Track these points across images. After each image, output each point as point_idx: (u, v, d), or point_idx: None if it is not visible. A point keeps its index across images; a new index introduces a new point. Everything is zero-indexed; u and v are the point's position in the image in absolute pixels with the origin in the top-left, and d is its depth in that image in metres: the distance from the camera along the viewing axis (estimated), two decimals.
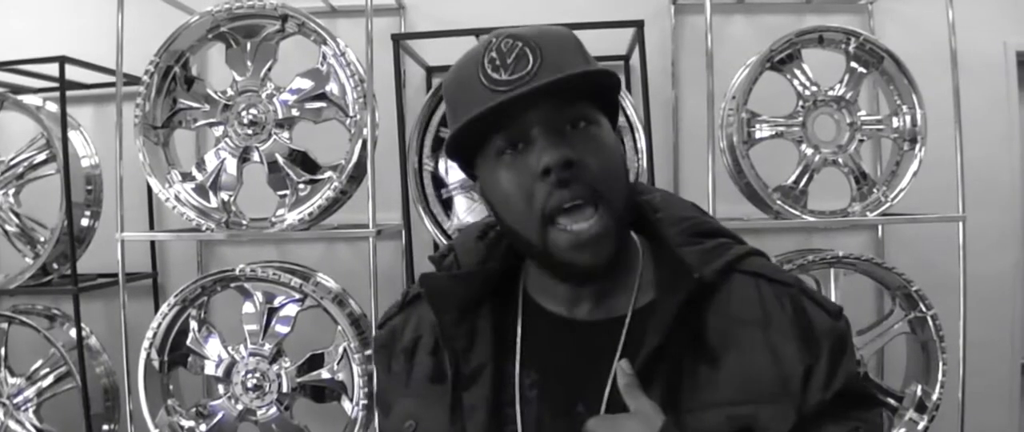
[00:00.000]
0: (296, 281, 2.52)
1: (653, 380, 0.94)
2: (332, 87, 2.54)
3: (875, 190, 2.66)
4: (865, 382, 0.98)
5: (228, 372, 2.60)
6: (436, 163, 2.61)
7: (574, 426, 0.95)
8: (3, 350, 2.84)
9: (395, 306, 1.17)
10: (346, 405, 2.55)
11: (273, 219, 2.60)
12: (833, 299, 2.59)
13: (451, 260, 1.12)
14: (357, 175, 2.56)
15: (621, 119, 2.53)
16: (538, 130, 0.93)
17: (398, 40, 2.65)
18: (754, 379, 0.95)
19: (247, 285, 2.61)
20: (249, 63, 2.58)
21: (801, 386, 0.95)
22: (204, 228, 2.56)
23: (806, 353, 0.96)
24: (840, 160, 2.63)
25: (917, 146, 2.60)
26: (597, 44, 2.75)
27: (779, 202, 2.56)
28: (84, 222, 2.86)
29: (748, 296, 1.00)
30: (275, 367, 2.57)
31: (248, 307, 2.61)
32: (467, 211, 2.58)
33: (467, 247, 1.11)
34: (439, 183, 2.62)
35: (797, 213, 2.56)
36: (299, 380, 2.57)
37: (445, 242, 2.58)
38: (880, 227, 3.04)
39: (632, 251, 1.06)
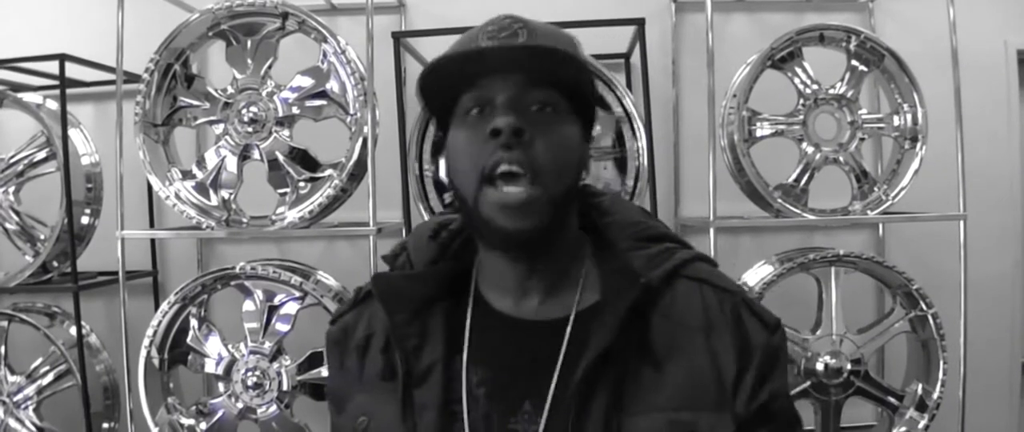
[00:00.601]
0: (296, 279, 2.52)
1: (598, 382, 0.96)
2: (332, 85, 2.54)
3: (876, 188, 2.66)
4: (791, 404, 1.02)
5: (228, 370, 2.60)
6: (437, 168, 2.60)
7: (521, 424, 0.98)
8: (3, 348, 2.84)
9: (347, 303, 1.18)
10: None
11: (273, 217, 2.59)
12: (834, 298, 2.59)
13: (404, 259, 1.13)
14: (357, 173, 2.56)
15: (618, 109, 2.52)
16: (503, 98, 0.97)
17: (399, 38, 2.64)
18: (695, 385, 0.97)
19: (247, 283, 2.60)
20: (249, 61, 2.58)
21: (733, 397, 0.97)
22: (204, 226, 2.56)
23: (738, 363, 0.98)
24: (841, 158, 2.63)
25: (918, 145, 2.60)
26: (598, 42, 2.77)
27: (780, 200, 2.56)
28: (84, 220, 2.86)
29: (692, 302, 1.02)
30: (275, 365, 2.57)
31: (248, 305, 2.61)
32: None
33: (420, 246, 1.12)
34: (442, 188, 2.61)
35: (798, 211, 2.56)
36: (299, 378, 2.57)
37: None
38: (881, 225, 3.04)
39: (579, 251, 1.08)
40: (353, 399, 1.09)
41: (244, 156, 2.59)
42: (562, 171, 0.98)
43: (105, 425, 2.91)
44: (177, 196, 2.60)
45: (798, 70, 2.61)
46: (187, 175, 2.65)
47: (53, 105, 2.83)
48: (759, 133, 2.61)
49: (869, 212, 2.61)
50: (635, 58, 2.71)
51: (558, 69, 0.98)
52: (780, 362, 1.02)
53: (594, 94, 1.04)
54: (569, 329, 1.01)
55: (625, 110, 2.51)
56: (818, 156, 2.62)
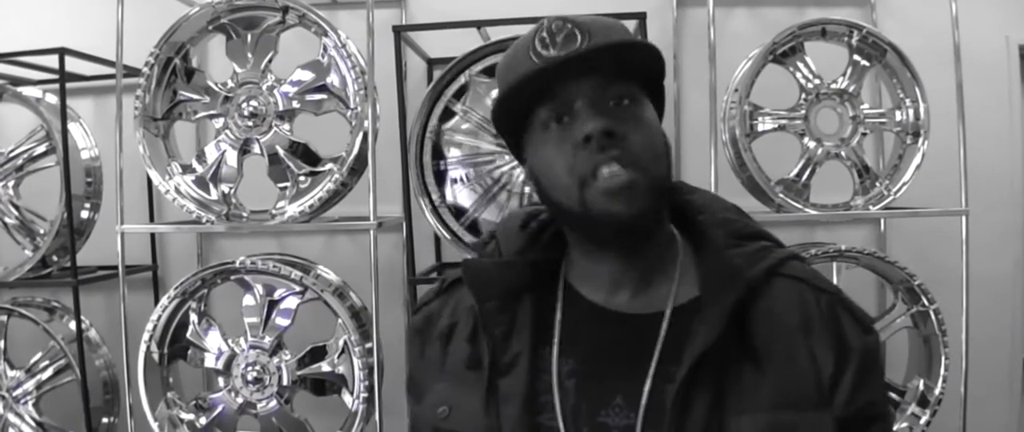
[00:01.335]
0: (296, 274, 2.52)
1: (700, 381, 0.94)
2: (333, 79, 2.53)
3: (878, 184, 2.65)
4: (888, 405, 1.03)
5: (228, 365, 2.59)
6: (439, 137, 2.59)
7: (612, 418, 0.97)
8: (3, 343, 2.83)
9: (432, 291, 1.18)
10: (346, 398, 2.55)
11: (273, 211, 2.59)
12: None
13: (493, 247, 1.12)
14: (358, 167, 2.55)
15: None
16: (582, 103, 0.97)
17: (399, 32, 2.64)
18: (796, 385, 0.95)
19: (247, 278, 2.60)
20: (250, 55, 2.57)
21: (832, 397, 0.96)
22: (204, 220, 2.55)
23: (836, 363, 0.97)
24: (843, 153, 2.62)
25: (920, 140, 2.60)
26: None
27: (781, 195, 2.56)
28: (84, 214, 2.85)
29: (791, 301, 1.00)
30: (275, 360, 2.56)
31: (248, 300, 2.61)
32: (462, 188, 2.57)
33: (510, 235, 1.12)
34: (438, 156, 2.61)
35: (799, 206, 2.55)
36: (299, 373, 2.57)
37: (446, 236, 2.58)
38: (882, 221, 3.03)
39: (672, 246, 1.07)
40: (433, 388, 1.09)
41: (244, 150, 2.58)
42: (657, 157, 0.98)
43: (105, 420, 2.91)
44: (177, 190, 2.59)
45: (800, 65, 2.61)
46: (187, 169, 2.64)
47: (53, 99, 2.82)
48: (761, 128, 2.61)
49: (871, 207, 2.60)
50: None
51: (633, 61, 0.98)
52: (877, 363, 1.01)
53: (664, 73, 1.04)
54: (665, 324, 1.00)
55: None
56: (820, 151, 2.61)
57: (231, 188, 2.61)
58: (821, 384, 0.96)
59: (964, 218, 2.57)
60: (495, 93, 2.49)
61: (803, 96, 2.61)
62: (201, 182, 2.62)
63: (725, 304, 0.96)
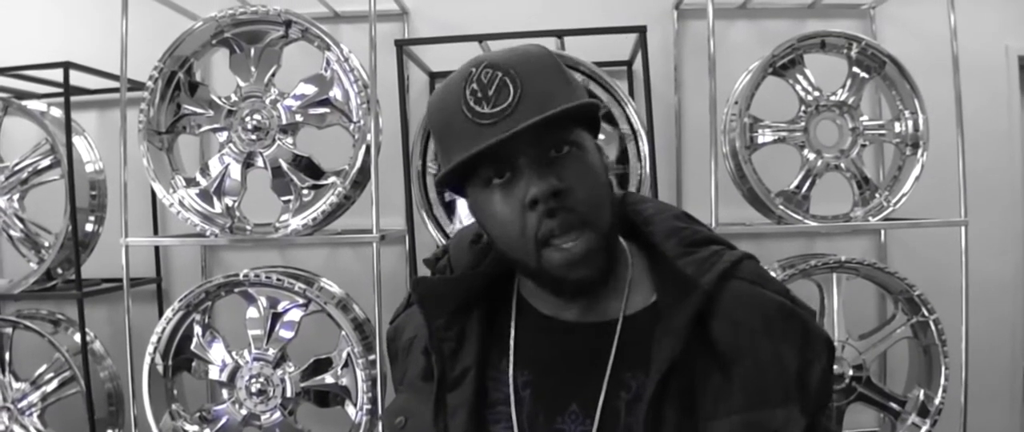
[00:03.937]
0: (300, 286, 2.53)
1: (669, 391, 0.96)
2: (336, 93, 2.55)
3: (877, 195, 2.66)
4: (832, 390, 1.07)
5: (232, 377, 2.60)
6: (438, 168, 2.61)
7: (568, 425, 1.00)
8: (8, 355, 2.85)
9: (402, 304, 1.22)
10: (350, 410, 2.56)
11: (277, 224, 2.60)
12: (836, 305, 2.60)
13: (445, 263, 1.15)
14: (361, 180, 2.57)
15: (624, 126, 2.54)
16: (524, 160, 0.96)
17: (401, 45, 2.66)
18: (764, 384, 0.97)
19: (251, 290, 2.61)
20: (253, 69, 2.59)
21: (800, 390, 0.98)
22: (208, 233, 2.57)
23: (800, 357, 0.99)
24: (842, 165, 2.64)
25: (919, 151, 2.61)
26: (600, 50, 2.79)
27: (781, 207, 2.57)
28: (88, 227, 2.87)
29: (748, 303, 1.02)
30: (279, 372, 2.57)
31: (252, 312, 2.62)
32: (470, 216, 2.58)
33: (461, 251, 1.14)
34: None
35: (799, 218, 2.56)
36: (303, 385, 2.58)
37: None
38: (882, 232, 3.04)
39: (622, 258, 1.08)
40: (396, 398, 1.14)
41: (248, 163, 2.60)
42: (602, 202, 0.98)
43: None
44: (181, 203, 2.60)
45: (800, 77, 2.62)
46: (191, 182, 2.65)
47: (57, 113, 2.84)
48: (761, 140, 2.62)
49: (871, 218, 2.62)
50: (637, 65, 2.72)
51: (571, 111, 0.97)
52: (832, 354, 1.05)
53: (596, 112, 1.03)
54: (618, 333, 1.02)
55: (631, 125, 2.52)
56: (820, 163, 2.63)
57: (235, 201, 2.63)
58: (787, 380, 0.98)
59: (963, 228, 2.57)
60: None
61: (803, 108, 2.62)
62: (205, 195, 2.64)
63: (685, 315, 0.98)
